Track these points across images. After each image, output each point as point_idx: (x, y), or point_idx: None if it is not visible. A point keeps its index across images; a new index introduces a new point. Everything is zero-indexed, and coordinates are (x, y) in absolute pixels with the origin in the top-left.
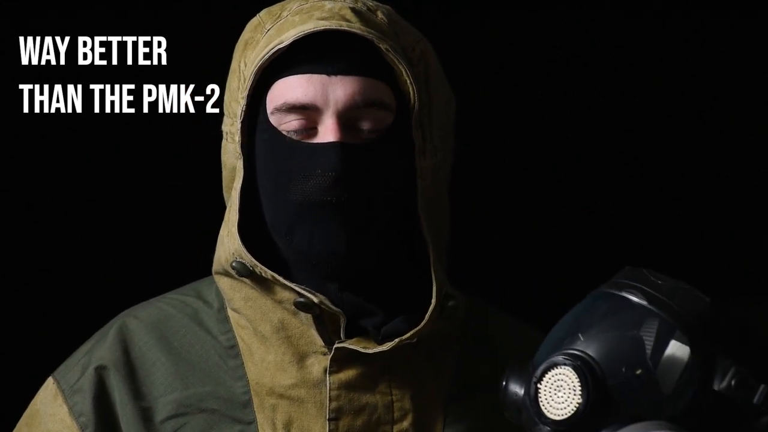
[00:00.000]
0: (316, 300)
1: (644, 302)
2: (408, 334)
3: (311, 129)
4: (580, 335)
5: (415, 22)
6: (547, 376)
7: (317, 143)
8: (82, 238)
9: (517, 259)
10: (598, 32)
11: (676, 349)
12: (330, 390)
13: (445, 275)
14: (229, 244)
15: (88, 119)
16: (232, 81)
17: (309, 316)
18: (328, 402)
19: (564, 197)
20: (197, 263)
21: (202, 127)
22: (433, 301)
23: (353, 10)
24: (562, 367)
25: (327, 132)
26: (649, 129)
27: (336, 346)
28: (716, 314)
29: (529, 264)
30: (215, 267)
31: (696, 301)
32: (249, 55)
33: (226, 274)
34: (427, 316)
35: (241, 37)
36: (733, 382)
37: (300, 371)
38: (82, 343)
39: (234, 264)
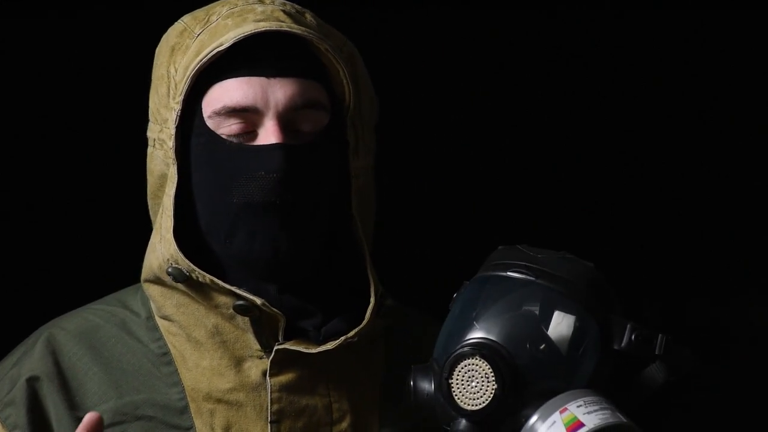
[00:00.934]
0: (258, 302)
1: (531, 277)
2: (352, 333)
3: (251, 132)
4: (475, 323)
5: (415, 21)
6: (456, 369)
7: (260, 145)
8: (96, 243)
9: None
10: (598, 32)
11: (566, 316)
12: (271, 392)
13: (375, 274)
14: (163, 250)
15: None
16: (160, 87)
17: (246, 319)
18: (269, 404)
19: (564, 197)
20: (115, 272)
21: None
22: (372, 300)
23: (285, 12)
24: (471, 357)
25: (269, 134)
26: (649, 129)
27: (276, 347)
28: (601, 277)
29: None
30: (145, 275)
31: (578, 267)
32: (179, 60)
33: (158, 281)
34: (367, 315)
35: (164, 43)
36: (632, 337)
37: (237, 375)
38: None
39: (169, 270)
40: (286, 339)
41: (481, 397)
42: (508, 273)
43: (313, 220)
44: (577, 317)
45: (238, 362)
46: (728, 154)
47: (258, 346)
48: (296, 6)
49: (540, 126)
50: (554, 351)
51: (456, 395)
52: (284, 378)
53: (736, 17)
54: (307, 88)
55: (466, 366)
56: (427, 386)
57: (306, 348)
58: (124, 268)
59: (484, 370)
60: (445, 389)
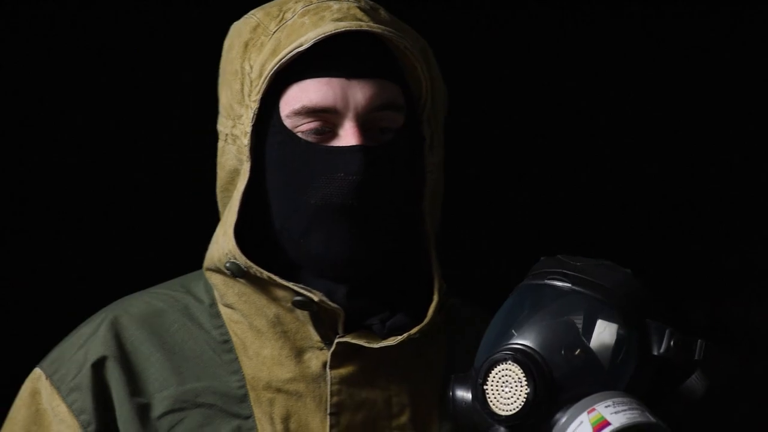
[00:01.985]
0: (315, 298)
1: (568, 285)
2: (415, 329)
3: (329, 132)
4: (513, 331)
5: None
6: (490, 375)
7: (339, 146)
8: (96, 243)
9: (514, 260)
10: (599, 32)
11: (607, 324)
12: (331, 385)
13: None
14: (224, 244)
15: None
16: (233, 82)
17: (305, 312)
18: (329, 397)
19: (564, 197)
20: (180, 258)
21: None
22: (436, 296)
23: (360, 9)
24: (504, 363)
25: (348, 135)
26: (648, 129)
27: (338, 340)
28: (639, 283)
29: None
30: (207, 263)
31: (617, 274)
32: (254, 57)
33: (219, 271)
34: (430, 312)
35: (235, 37)
36: (672, 343)
37: (298, 365)
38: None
39: (228, 265)
40: (348, 331)
41: (515, 402)
42: (546, 281)
43: (386, 221)
44: (614, 323)
45: (298, 353)
46: (728, 154)
47: (318, 338)
48: (369, 2)
49: (540, 126)
50: (590, 356)
51: (490, 400)
52: (344, 370)
53: (736, 18)
54: (385, 90)
55: (499, 371)
56: (466, 394)
57: (367, 342)
58: (186, 253)
59: (517, 374)
60: (480, 395)
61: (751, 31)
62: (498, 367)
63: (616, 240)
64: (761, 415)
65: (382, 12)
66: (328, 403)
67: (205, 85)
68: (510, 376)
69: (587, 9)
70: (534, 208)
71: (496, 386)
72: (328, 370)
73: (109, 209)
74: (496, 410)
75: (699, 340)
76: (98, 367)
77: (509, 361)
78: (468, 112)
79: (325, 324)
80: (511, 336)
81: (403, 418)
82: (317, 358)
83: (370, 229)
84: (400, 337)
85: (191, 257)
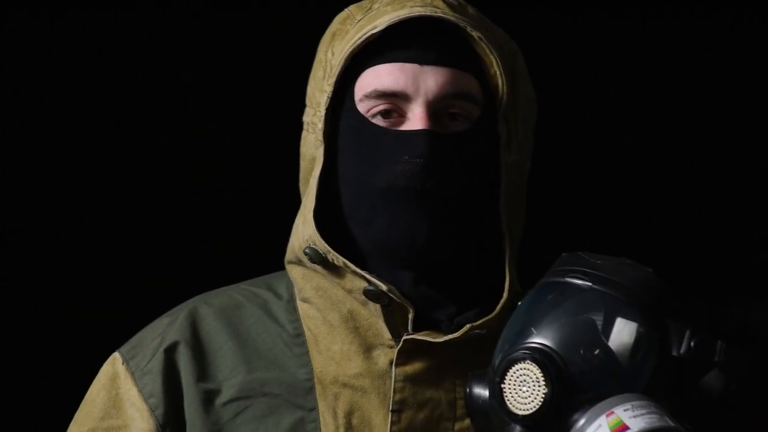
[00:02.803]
0: (385, 288)
1: (588, 283)
2: (479, 322)
3: (400, 117)
4: (532, 329)
5: None
6: (508, 373)
7: (406, 130)
8: (96, 243)
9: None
10: (599, 32)
11: (627, 323)
12: (395, 382)
13: (516, 272)
14: (303, 231)
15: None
16: (317, 71)
17: (378, 307)
18: (392, 393)
19: (563, 196)
20: (270, 258)
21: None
22: (505, 294)
23: (445, 2)
24: (522, 362)
25: (416, 120)
26: (648, 129)
27: (405, 337)
28: (660, 282)
29: (525, 265)
30: (288, 256)
31: (638, 272)
32: (337, 45)
33: (299, 262)
34: (498, 308)
35: (327, 30)
36: (692, 344)
37: (366, 361)
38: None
39: (307, 250)
40: (418, 330)
41: (533, 401)
42: (566, 279)
43: (454, 210)
44: (634, 322)
45: (368, 349)
46: (728, 154)
47: (389, 336)
48: (461, 0)
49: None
50: (610, 356)
51: (508, 400)
52: (410, 368)
53: (735, 19)
54: (460, 79)
55: (517, 370)
56: (483, 392)
57: (433, 337)
58: (186, 253)
59: (535, 373)
60: (497, 394)
61: (751, 31)
62: (516, 366)
63: (616, 240)
64: (759, 413)
65: (470, 9)
66: (391, 400)
67: (205, 85)
68: (528, 375)
69: (587, 9)
70: (534, 208)
71: (514, 386)
72: (393, 367)
73: (109, 209)
74: (514, 410)
75: (719, 341)
76: (170, 351)
77: (527, 361)
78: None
79: (396, 320)
80: (531, 334)
81: (467, 422)
82: (385, 355)
83: (434, 216)
84: (462, 330)
85: (191, 257)
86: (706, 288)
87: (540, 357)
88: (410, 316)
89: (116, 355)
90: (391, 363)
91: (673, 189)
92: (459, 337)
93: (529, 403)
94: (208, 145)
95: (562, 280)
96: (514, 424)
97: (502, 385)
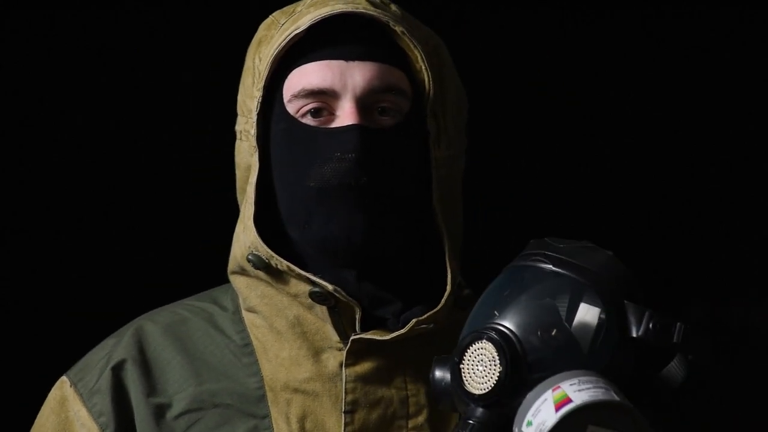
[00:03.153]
0: (330, 288)
1: (550, 266)
2: (424, 317)
3: (330, 115)
4: (495, 311)
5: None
6: (466, 354)
7: (336, 127)
8: (96, 243)
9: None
10: (599, 32)
11: (589, 305)
12: (346, 383)
13: (459, 266)
14: (244, 239)
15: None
16: (246, 79)
17: (324, 310)
18: (343, 395)
19: (563, 196)
20: (211, 272)
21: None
22: (448, 287)
23: (369, 1)
24: (478, 341)
25: (345, 116)
26: (648, 129)
27: (353, 338)
28: (620, 265)
29: None
30: (231, 267)
31: (599, 255)
32: (263, 51)
33: (242, 272)
34: (443, 301)
35: (254, 38)
36: (650, 326)
37: (315, 365)
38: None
39: (250, 257)
40: (365, 329)
41: (488, 381)
42: (529, 263)
43: (390, 205)
44: (593, 306)
45: (316, 353)
46: (728, 154)
47: (337, 338)
48: None
49: (540, 125)
50: (568, 338)
51: (466, 380)
52: (360, 368)
53: (735, 18)
54: (387, 73)
55: (474, 351)
56: (446, 375)
57: (381, 336)
58: (186, 253)
59: (490, 353)
60: (456, 375)
61: (751, 31)
62: (473, 346)
63: (616, 240)
64: (759, 413)
65: (393, 6)
66: (343, 402)
67: (205, 85)
68: (484, 355)
69: (587, 9)
70: (533, 208)
71: (471, 365)
72: (343, 368)
73: (109, 209)
74: (470, 389)
75: (678, 323)
76: (118, 369)
77: (483, 340)
78: (467, 111)
79: (343, 321)
80: (494, 316)
81: (420, 418)
82: (334, 357)
83: (370, 211)
84: (409, 325)
85: (191, 257)
86: (706, 288)
87: (494, 335)
88: (357, 315)
89: (64, 378)
90: (340, 365)
91: (673, 189)
92: (406, 333)
93: (485, 382)
94: (208, 145)
95: (525, 263)
96: (473, 404)
97: (461, 366)
